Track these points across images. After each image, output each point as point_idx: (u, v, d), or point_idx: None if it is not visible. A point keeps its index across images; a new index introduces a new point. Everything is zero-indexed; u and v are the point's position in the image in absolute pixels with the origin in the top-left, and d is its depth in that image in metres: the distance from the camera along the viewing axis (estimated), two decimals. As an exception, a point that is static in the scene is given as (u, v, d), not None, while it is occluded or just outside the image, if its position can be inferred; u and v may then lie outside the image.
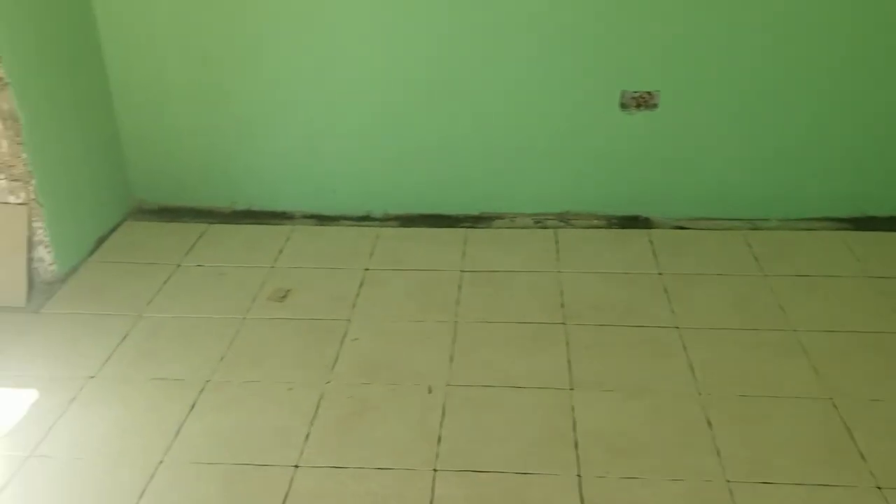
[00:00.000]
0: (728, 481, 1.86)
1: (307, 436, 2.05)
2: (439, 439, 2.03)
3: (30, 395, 2.19)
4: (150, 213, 3.19)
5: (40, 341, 2.43)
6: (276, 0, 2.84)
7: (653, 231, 3.00)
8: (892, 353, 2.27)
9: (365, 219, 3.17)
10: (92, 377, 2.27)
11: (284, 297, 2.66)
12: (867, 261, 2.73)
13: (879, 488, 1.83)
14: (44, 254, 2.68)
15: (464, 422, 2.09)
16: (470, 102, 2.95)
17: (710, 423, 2.05)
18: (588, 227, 3.06)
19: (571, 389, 2.19)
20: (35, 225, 2.65)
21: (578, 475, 1.90)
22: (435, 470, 1.93)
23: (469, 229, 3.08)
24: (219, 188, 3.18)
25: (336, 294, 2.66)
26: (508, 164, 3.05)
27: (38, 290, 2.68)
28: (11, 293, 2.62)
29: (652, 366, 2.27)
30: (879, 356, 2.26)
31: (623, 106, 2.90)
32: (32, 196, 2.61)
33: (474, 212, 3.15)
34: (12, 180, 2.59)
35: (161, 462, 1.97)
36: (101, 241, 2.98)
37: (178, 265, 2.84)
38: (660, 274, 2.72)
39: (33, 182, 2.59)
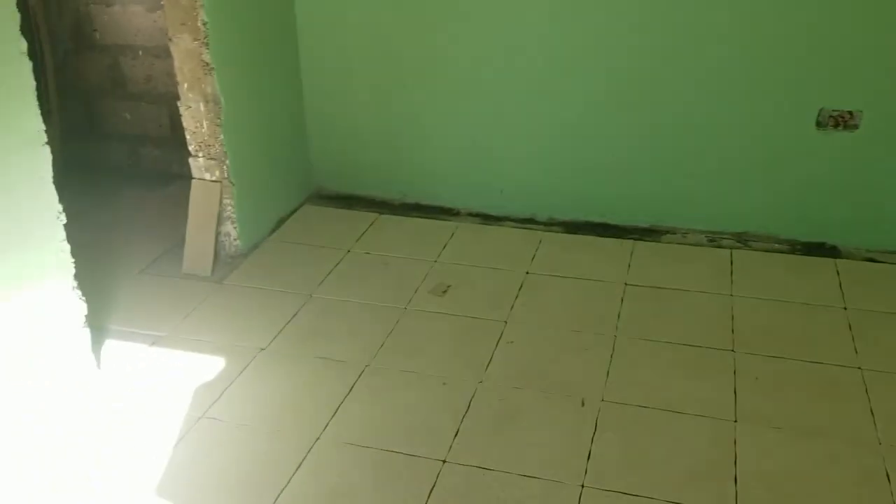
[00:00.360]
0: (908, 546, 1.69)
1: (457, 433, 2.07)
2: (589, 455, 1.98)
3: (207, 360, 2.36)
4: (327, 199, 3.34)
5: (220, 310, 2.61)
6: (460, 6, 2.88)
7: (840, 261, 2.78)
8: None
9: (529, 221, 3.15)
10: (263, 349, 2.40)
11: (445, 292, 2.70)
12: None
13: None
14: (230, 229, 2.88)
15: (616, 440, 2.03)
16: (647, 111, 2.86)
17: (888, 477, 1.86)
18: (768, 251, 2.88)
19: (735, 421, 2.07)
20: (225, 202, 2.84)
21: (736, 514, 1.79)
22: (582, 486, 1.89)
23: (637, 241, 2.99)
24: (391, 180, 3.28)
25: (495, 294, 2.67)
26: (684, 176, 2.92)
27: (223, 262, 2.88)
28: (200, 263, 2.83)
29: (828, 407, 2.10)
30: None
31: (819, 125, 2.70)
32: (225, 175, 2.81)
33: (644, 224, 3.05)
34: (209, 159, 2.80)
35: (318, 439, 2.05)
36: (281, 222, 3.16)
37: (348, 251, 2.95)
38: (845, 308, 2.51)
39: (227, 162, 2.79)
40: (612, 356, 2.35)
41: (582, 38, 2.82)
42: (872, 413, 2.07)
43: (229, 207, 2.85)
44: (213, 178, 2.82)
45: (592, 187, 3.05)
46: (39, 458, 2.00)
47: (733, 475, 1.90)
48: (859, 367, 2.24)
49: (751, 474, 1.89)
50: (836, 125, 2.69)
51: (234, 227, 2.88)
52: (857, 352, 2.31)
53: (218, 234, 2.88)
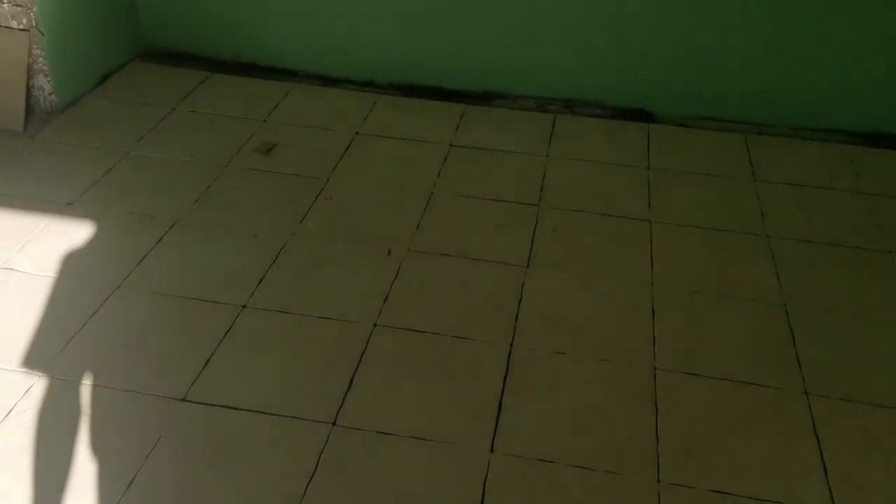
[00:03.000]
0: (655, 368, 1.88)
1: (261, 280, 2.12)
2: (386, 297, 2.08)
3: (10, 214, 2.29)
4: (158, 56, 3.21)
5: (30, 165, 2.51)
6: None
7: (653, 126, 2.92)
8: (860, 269, 2.22)
9: (368, 85, 3.14)
10: (70, 203, 2.35)
11: (270, 150, 2.68)
12: (866, 177, 2.62)
13: (807, 394, 1.83)
14: (44, 82, 2.74)
15: (414, 285, 2.13)
16: (481, -29, 2.85)
17: (653, 313, 2.05)
18: (590, 116, 2.99)
19: (527, 267, 2.20)
20: (35, 53, 2.69)
21: (510, 344, 1.94)
22: (375, 324, 1.99)
23: (469, 105, 3.03)
24: (224, 38, 3.16)
25: (321, 153, 2.68)
26: (518, 43, 2.95)
27: (37, 117, 2.75)
28: (9, 117, 2.69)
29: (613, 254, 2.26)
30: (847, 270, 2.21)
31: (643, -9, 2.76)
32: (34, 23, 2.64)
33: (478, 89, 3.09)
34: (14, 5, 2.62)
35: (118, 287, 2.06)
36: (105, 77, 3.02)
37: (173, 109, 2.87)
38: (648, 168, 2.66)
39: (34, 9, 2.61)
40: (425, 211, 2.43)
41: None
42: (652, 259, 2.24)
43: (41, 59, 2.70)
44: (21, 27, 2.65)
45: (431, 51, 3.05)
46: None
47: (515, 313, 2.04)
48: (649, 220, 2.41)
49: (531, 312, 2.04)
50: (657, -9, 2.75)
51: (49, 81, 2.74)
52: (650, 206, 2.47)
53: (30, 87, 2.73)
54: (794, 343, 1.96)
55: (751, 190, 2.55)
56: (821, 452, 1.69)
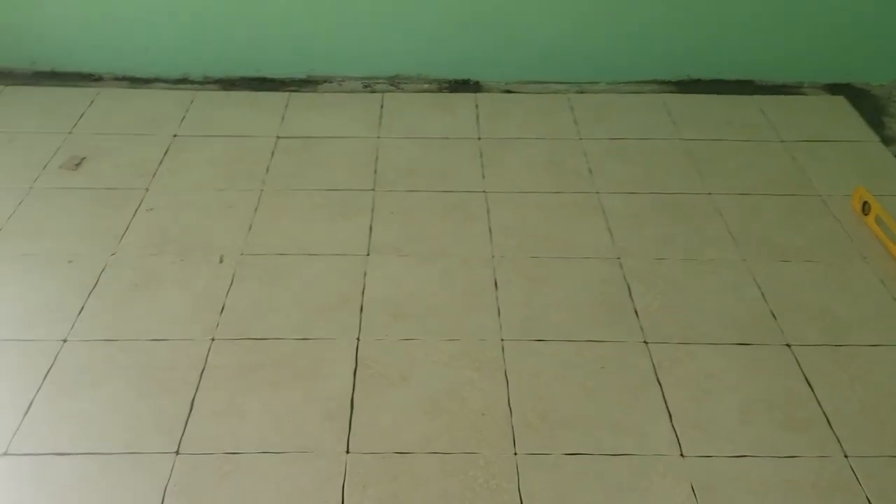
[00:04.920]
0: (502, 339, 1.89)
1: (81, 309, 1.96)
2: (223, 309, 1.97)
3: None
4: (-62, 75, 2.89)
5: None
6: None
7: (480, 95, 2.92)
8: (683, 213, 2.32)
9: (182, 81, 2.96)
10: None
11: (79, 164, 2.48)
12: (682, 123, 2.74)
13: (646, 343, 1.90)
14: None
15: (251, 291, 2.03)
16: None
17: (496, 285, 2.06)
18: (417, 92, 2.96)
19: (367, 255, 2.16)
20: None
21: (357, 339, 1.89)
22: (213, 339, 1.89)
23: (293, 93, 2.92)
24: (16, 46, 2.90)
25: (137, 162, 2.51)
26: (339, 24, 2.88)
27: None
28: None
29: (452, 230, 2.25)
30: (672, 216, 2.31)
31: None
32: None
33: (301, 75, 2.99)
34: None
35: (-86, 341, 1.84)
36: None
37: (-38, 132, 2.60)
38: (479, 139, 2.67)
39: None
40: (256, 210, 2.32)
41: None
42: (490, 231, 2.25)
43: None
44: None
45: (248, 40, 2.91)
46: None
47: (360, 305, 1.99)
48: (484, 191, 2.41)
49: (375, 301, 2.00)
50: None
51: None
52: (484, 177, 2.48)
53: None
54: (631, 295, 2.03)
55: (577, 149, 2.61)
56: (664, 399, 1.76)
